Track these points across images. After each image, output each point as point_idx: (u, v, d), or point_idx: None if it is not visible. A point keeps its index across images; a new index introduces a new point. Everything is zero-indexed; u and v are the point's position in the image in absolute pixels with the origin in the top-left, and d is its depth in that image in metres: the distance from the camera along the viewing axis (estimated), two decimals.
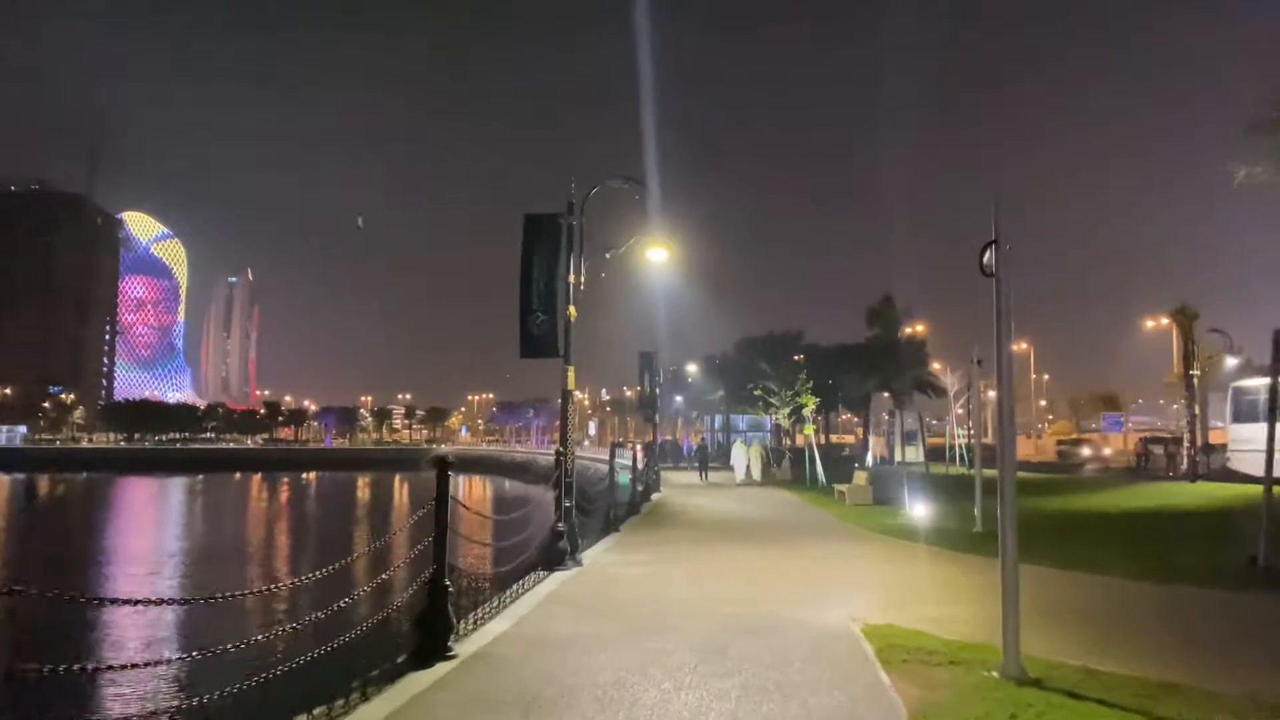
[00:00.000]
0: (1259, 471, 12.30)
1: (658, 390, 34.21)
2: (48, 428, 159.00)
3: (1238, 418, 29.13)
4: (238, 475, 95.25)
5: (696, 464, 40.64)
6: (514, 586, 9.75)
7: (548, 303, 11.87)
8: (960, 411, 49.66)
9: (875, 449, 60.90)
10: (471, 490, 66.38)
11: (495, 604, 8.76)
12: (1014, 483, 6.39)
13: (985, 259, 6.37)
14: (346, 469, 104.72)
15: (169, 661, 6.17)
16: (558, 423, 19.12)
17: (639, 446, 30.97)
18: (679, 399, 73.84)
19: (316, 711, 5.33)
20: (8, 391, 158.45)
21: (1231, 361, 37.90)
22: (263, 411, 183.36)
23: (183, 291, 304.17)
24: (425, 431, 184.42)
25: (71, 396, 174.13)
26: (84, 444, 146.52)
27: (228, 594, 5.65)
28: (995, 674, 6.13)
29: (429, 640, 6.56)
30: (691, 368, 66.92)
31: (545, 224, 12.15)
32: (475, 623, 7.85)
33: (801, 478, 33.87)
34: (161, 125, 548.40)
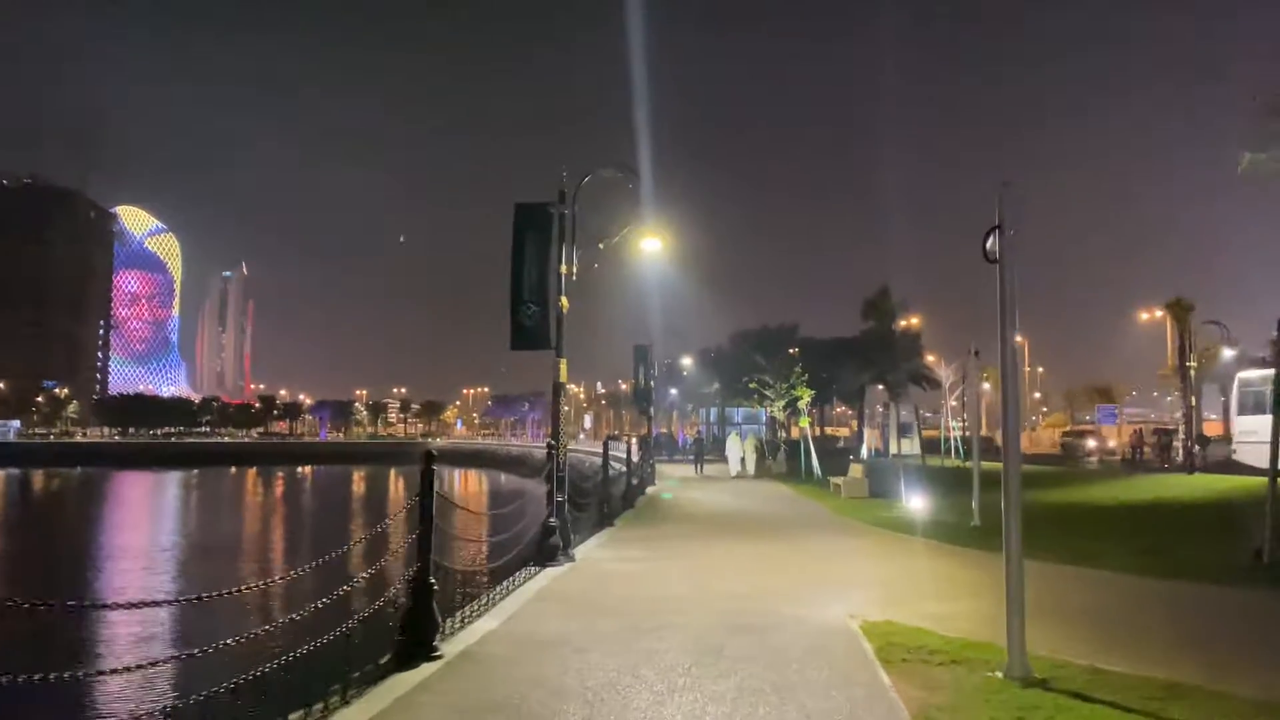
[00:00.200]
0: (1265, 464, 12.12)
1: (653, 383, 34.09)
2: (41, 422, 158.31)
3: (1243, 410, 28.86)
4: (233, 470, 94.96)
5: (693, 457, 40.51)
6: (504, 583, 9.55)
7: (539, 294, 11.59)
8: (954, 404, 49.58)
9: (870, 441, 60.91)
10: (467, 484, 66.28)
11: (484, 601, 8.55)
12: (1018, 476, 6.18)
13: (989, 244, 6.16)
14: (341, 463, 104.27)
15: (135, 668, 5.89)
16: None
17: (634, 440, 30.82)
18: (674, 392, 73.70)
19: (293, 716, 5.12)
20: (1, 386, 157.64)
21: (1228, 353, 37.86)
22: (257, 406, 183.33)
23: (177, 286, 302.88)
24: (420, 426, 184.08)
25: (65, 391, 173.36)
26: (78, 439, 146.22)
27: (206, 595, 5.40)
28: (1000, 674, 5.92)
29: (413, 640, 6.34)
30: (686, 361, 66.67)
31: (536, 213, 11.89)
32: (463, 621, 7.63)
33: (797, 470, 33.74)
34: (157, 121, 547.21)
